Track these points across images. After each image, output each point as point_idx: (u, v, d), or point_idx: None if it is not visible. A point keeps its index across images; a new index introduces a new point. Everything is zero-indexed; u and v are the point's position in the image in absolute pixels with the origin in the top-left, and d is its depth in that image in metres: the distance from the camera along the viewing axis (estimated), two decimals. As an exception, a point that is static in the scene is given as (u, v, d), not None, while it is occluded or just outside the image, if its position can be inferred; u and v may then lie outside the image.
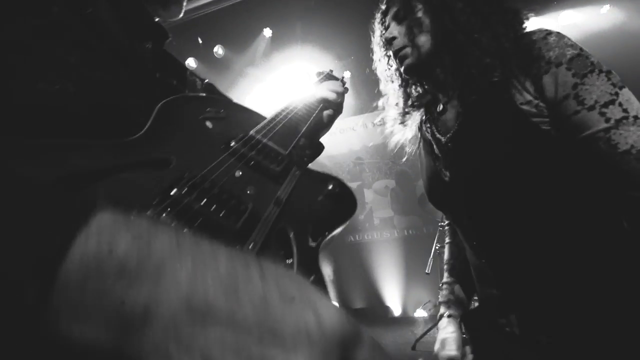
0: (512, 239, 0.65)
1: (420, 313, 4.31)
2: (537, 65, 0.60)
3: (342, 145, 5.91)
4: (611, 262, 0.58)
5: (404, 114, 0.86)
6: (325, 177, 0.55)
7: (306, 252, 0.41)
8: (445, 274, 0.92)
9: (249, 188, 0.43)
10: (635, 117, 0.54)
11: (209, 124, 0.50)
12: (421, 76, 0.81)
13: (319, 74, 0.93)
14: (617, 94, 0.56)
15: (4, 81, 0.34)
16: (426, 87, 0.85)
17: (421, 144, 0.86)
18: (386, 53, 0.87)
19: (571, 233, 0.60)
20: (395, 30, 0.77)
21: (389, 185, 5.44)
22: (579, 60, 0.58)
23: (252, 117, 0.60)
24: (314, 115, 0.72)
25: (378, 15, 0.85)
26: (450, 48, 0.69)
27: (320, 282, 0.39)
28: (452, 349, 0.77)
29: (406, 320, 4.39)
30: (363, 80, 5.76)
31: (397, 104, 0.88)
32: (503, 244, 0.66)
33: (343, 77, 0.94)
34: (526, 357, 0.62)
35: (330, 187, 0.53)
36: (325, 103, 0.80)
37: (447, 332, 0.80)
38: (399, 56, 0.77)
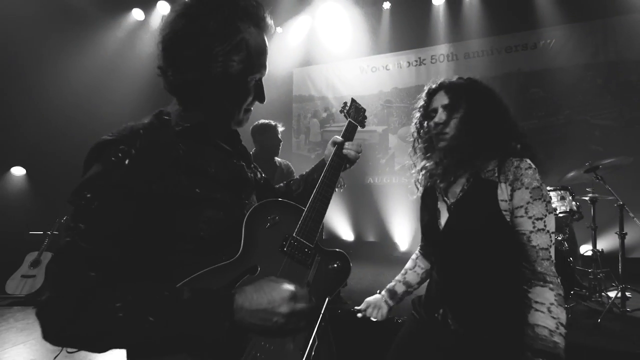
0: (460, 270, 1.04)
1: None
2: (518, 182, 0.95)
3: (372, 85, 5.81)
4: (506, 293, 0.98)
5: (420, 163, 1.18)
6: (333, 256, 0.91)
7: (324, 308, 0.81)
8: (399, 275, 1.33)
9: (294, 278, 0.78)
10: (548, 231, 0.93)
11: (271, 231, 0.83)
12: (447, 155, 1.09)
13: (344, 106, 1.13)
14: (546, 215, 0.93)
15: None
16: (445, 160, 1.11)
17: (428, 190, 1.18)
18: (423, 121, 1.14)
19: (490, 274, 0.99)
20: (443, 116, 1.06)
21: (414, 133, 5.44)
22: (537, 190, 0.94)
23: (291, 212, 0.89)
24: (335, 189, 0.99)
25: (428, 88, 1.13)
26: (478, 146, 1.02)
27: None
28: (362, 305, 1.26)
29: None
30: (403, 12, 5.41)
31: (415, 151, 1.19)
32: (453, 271, 1.06)
33: (364, 111, 1.15)
34: (442, 334, 1.04)
35: (336, 264, 0.90)
36: (347, 161, 1.07)
37: (371, 297, 1.28)
38: (440, 137, 1.07)
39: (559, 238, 2.63)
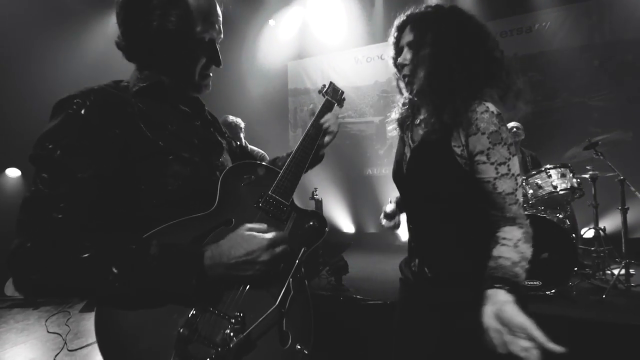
0: (424, 217, 1.05)
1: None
2: (472, 127, 0.90)
3: (368, 75, 5.76)
4: (468, 242, 0.97)
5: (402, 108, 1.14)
6: (309, 214, 0.93)
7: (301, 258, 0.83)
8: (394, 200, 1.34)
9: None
10: (513, 175, 0.89)
11: (246, 188, 0.86)
12: (416, 95, 1.06)
13: (323, 87, 1.15)
14: (509, 159, 0.89)
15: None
16: (416, 100, 1.08)
17: (400, 135, 1.16)
18: (396, 59, 1.06)
19: (452, 219, 0.98)
20: (408, 56, 0.99)
21: (411, 121, 5.43)
22: (495, 134, 0.88)
23: (268, 173, 0.91)
24: (311, 155, 1.00)
25: (397, 23, 1.03)
26: (439, 90, 0.96)
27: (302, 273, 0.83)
28: (386, 208, 1.27)
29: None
30: (397, 1, 5.38)
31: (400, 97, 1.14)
32: (419, 218, 1.07)
33: (342, 92, 1.18)
34: (419, 283, 1.05)
35: (312, 222, 0.91)
36: (324, 132, 1.07)
37: (390, 205, 1.29)
38: (406, 80, 1.03)
39: (560, 216, 2.61)
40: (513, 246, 0.85)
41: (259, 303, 0.72)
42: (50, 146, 0.66)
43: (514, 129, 3.48)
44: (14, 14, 4.30)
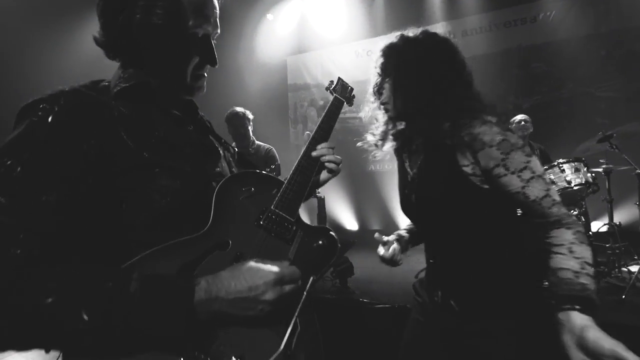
0: (445, 246, 1.00)
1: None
2: (476, 143, 0.87)
3: (369, 69, 5.63)
4: (499, 268, 0.92)
5: (382, 139, 1.12)
6: (317, 232, 0.81)
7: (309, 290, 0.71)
8: (406, 228, 1.24)
9: (274, 254, 0.70)
10: (539, 176, 0.84)
11: (245, 203, 0.75)
12: (401, 122, 1.08)
13: (330, 84, 1.06)
14: (528, 161, 0.85)
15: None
16: (404, 127, 1.09)
17: (398, 163, 1.14)
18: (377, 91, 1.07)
19: (477, 246, 0.93)
20: (377, 82, 1.03)
21: (414, 116, 5.35)
22: (504, 143, 0.85)
23: (270, 184, 0.81)
24: (312, 177, 0.88)
25: (378, 52, 1.05)
26: (422, 113, 0.95)
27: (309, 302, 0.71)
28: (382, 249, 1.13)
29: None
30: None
31: (377, 129, 1.12)
32: (438, 248, 1.03)
33: (352, 89, 1.09)
34: (442, 315, 0.98)
35: (321, 241, 0.80)
36: (321, 165, 0.94)
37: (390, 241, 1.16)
38: (384, 107, 1.04)
39: (575, 212, 2.52)
40: (568, 252, 0.78)
41: (260, 344, 0.62)
42: (8, 162, 0.55)
43: (522, 122, 3.39)
44: (8, 13, 4.20)
